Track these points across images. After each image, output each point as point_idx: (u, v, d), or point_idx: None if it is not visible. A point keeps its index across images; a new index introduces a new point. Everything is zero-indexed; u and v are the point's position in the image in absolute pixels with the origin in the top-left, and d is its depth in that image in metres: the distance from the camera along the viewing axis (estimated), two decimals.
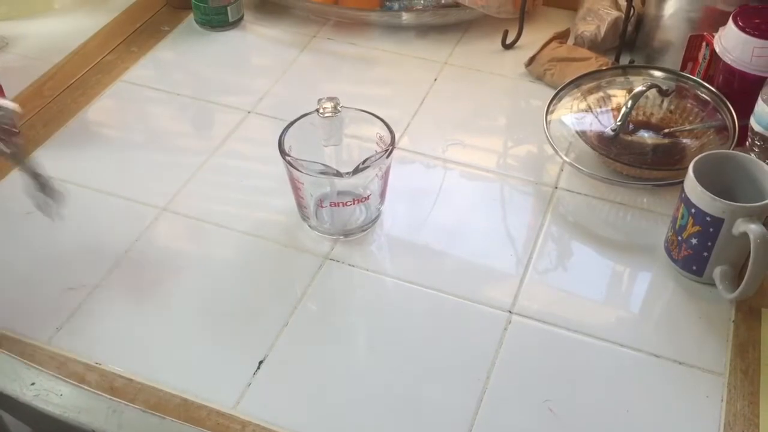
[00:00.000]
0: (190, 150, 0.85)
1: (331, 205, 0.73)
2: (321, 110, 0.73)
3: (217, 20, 1.03)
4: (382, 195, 0.74)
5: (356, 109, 0.74)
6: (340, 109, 0.73)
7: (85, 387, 0.62)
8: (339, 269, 0.72)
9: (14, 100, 0.90)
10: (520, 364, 0.64)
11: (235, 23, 1.04)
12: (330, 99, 0.73)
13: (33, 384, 0.62)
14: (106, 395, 0.61)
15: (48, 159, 0.83)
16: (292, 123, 0.73)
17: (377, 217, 0.76)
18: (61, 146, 0.86)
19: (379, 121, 0.73)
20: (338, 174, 0.68)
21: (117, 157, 0.84)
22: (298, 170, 0.69)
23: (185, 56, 1.00)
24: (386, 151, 0.70)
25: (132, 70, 0.97)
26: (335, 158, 0.75)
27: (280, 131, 0.71)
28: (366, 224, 0.75)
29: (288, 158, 0.69)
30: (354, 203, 0.73)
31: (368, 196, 0.73)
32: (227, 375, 0.63)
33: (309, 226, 0.75)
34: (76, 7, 1.09)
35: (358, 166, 0.68)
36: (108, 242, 0.74)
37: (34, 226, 0.76)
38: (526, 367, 0.64)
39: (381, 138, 0.72)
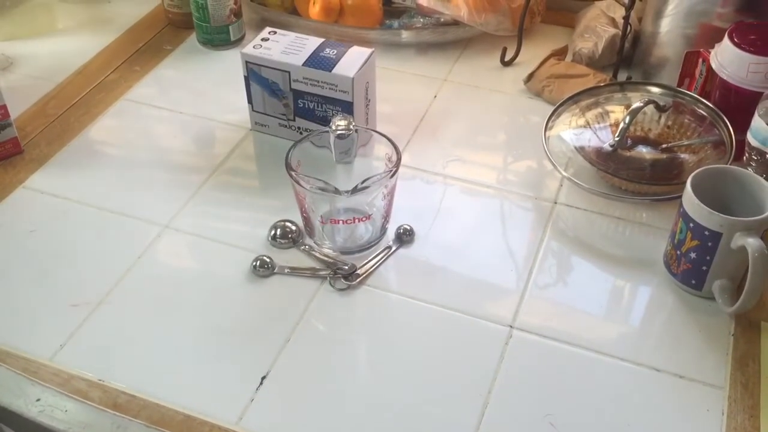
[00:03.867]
0: (193, 168, 0.86)
1: (331, 222, 0.74)
2: (334, 128, 0.73)
3: (219, 39, 1.04)
4: (387, 214, 0.75)
5: (367, 129, 0.74)
6: (353, 127, 0.74)
7: (90, 403, 0.62)
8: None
9: (18, 119, 0.91)
10: (521, 378, 0.65)
11: (237, 42, 1.05)
12: (344, 117, 0.74)
13: (38, 400, 0.62)
14: (110, 411, 0.61)
15: (51, 177, 0.84)
16: (301, 139, 0.74)
17: (382, 235, 0.76)
18: (65, 164, 0.86)
19: (387, 140, 0.73)
20: (337, 192, 0.68)
21: (120, 175, 0.85)
22: (300, 185, 0.69)
23: (187, 75, 1.01)
24: (390, 171, 0.70)
25: (135, 88, 0.98)
26: (349, 176, 0.76)
27: (287, 149, 0.72)
28: (371, 242, 0.75)
29: (292, 173, 0.70)
30: (355, 221, 0.74)
31: (370, 215, 0.74)
32: (230, 391, 0.63)
33: (314, 242, 0.75)
34: (80, 27, 1.10)
35: (358, 185, 0.68)
36: (111, 260, 0.74)
37: (38, 243, 0.76)
38: (527, 382, 0.64)
39: (389, 158, 0.72)
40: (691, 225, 0.67)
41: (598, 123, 0.86)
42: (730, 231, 0.65)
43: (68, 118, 0.93)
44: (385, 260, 0.74)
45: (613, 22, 0.99)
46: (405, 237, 0.75)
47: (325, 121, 0.84)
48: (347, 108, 0.82)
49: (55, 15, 1.10)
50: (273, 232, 0.76)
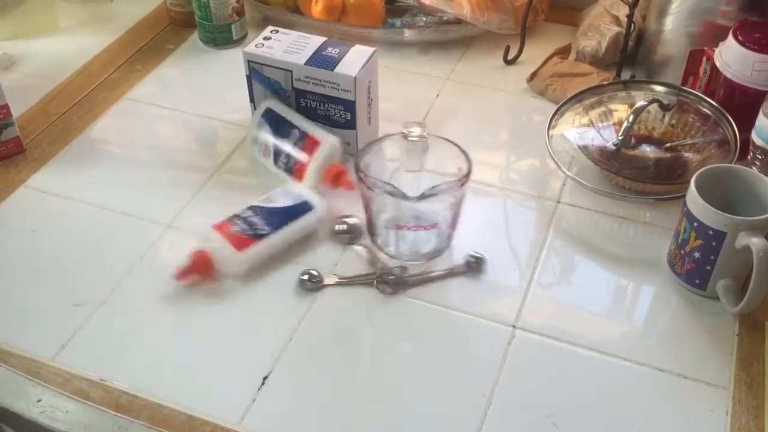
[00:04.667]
0: (195, 167, 0.86)
1: (397, 228, 0.73)
2: (407, 134, 0.73)
3: (221, 38, 1.04)
4: (453, 224, 0.73)
5: (440, 137, 0.73)
6: (426, 134, 0.73)
7: (91, 404, 0.62)
8: (333, 288, 0.72)
9: (20, 118, 0.91)
10: (523, 378, 0.64)
11: (239, 41, 1.05)
12: (418, 123, 0.73)
13: (39, 401, 0.62)
14: (112, 412, 0.61)
15: (53, 176, 0.84)
16: (371, 143, 0.73)
17: (448, 245, 0.75)
18: (67, 164, 0.86)
19: (459, 150, 0.72)
20: (405, 196, 0.68)
21: (122, 174, 0.85)
22: (368, 188, 0.69)
23: (189, 74, 1.01)
24: (459, 181, 0.69)
25: (137, 87, 0.98)
26: (416, 184, 0.74)
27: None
28: (435, 252, 0.74)
29: (360, 175, 0.69)
30: (418, 229, 0.73)
31: (436, 224, 0.72)
32: (232, 391, 0.63)
33: (377, 246, 0.74)
34: (82, 26, 1.10)
35: (426, 191, 0.67)
36: (113, 259, 0.74)
37: (40, 242, 0.76)
38: (529, 382, 0.64)
39: (459, 168, 0.71)
40: (695, 224, 0.67)
41: (602, 122, 0.85)
42: (735, 230, 0.65)
43: (70, 117, 0.93)
44: (443, 279, 0.72)
45: (616, 20, 0.99)
46: (474, 265, 0.73)
47: (327, 120, 0.84)
48: (350, 107, 0.82)
49: (56, 14, 1.10)
50: (338, 228, 0.76)
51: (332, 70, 0.81)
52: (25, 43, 1.06)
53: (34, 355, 0.66)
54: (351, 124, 0.84)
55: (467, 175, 0.69)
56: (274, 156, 0.83)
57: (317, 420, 0.62)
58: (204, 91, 0.97)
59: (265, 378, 0.64)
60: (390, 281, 0.71)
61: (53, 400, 0.62)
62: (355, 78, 0.80)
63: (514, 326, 0.68)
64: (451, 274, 0.72)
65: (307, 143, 0.82)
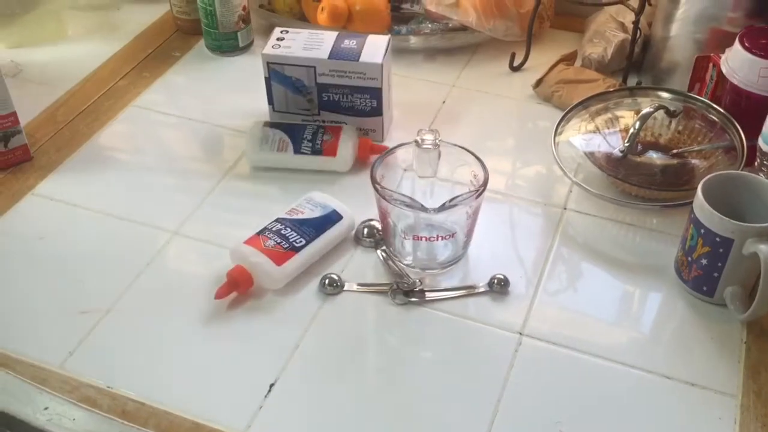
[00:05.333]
0: (202, 173, 0.86)
1: (414, 239, 0.73)
2: (420, 141, 0.73)
3: (228, 45, 1.04)
4: (469, 234, 0.73)
5: (453, 144, 0.73)
6: (439, 141, 0.73)
7: (98, 411, 0.62)
8: (349, 294, 0.72)
9: (28, 125, 0.92)
10: (531, 386, 0.64)
11: (245, 48, 1.06)
12: (431, 131, 0.73)
13: (46, 408, 0.62)
14: (119, 419, 0.61)
15: (61, 184, 0.84)
16: (388, 152, 0.73)
17: (463, 255, 0.75)
18: (74, 171, 0.87)
19: (475, 159, 0.72)
20: (423, 209, 0.68)
21: (129, 181, 0.85)
22: (385, 200, 0.69)
23: (196, 81, 1.01)
24: (477, 191, 0.69)
25: (144, 95, 0.98)
26: (430, 190, 0.75)
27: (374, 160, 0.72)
28: (450, 261, 0.74)
29: (377, 187, 0.69)
30: (438, 239, 0.73)
31: (453, 234, 0.72)
32: (238, 398, 0.63)
33: (393, 255, 0.74)
34: (89, 34, 1.11)
35: (445, 203, 0.67)
36: (120, 266, 0.74)
37: (47, 249, 0.76)
38: (537, 390, 0.64)
39: (475, 176, 0.71)
40: (702, 231, 0.67)
41: (608, 128, 0.85)
42: (742, 237, 0.64)
43: (77, 124, 0.93)
44: (465, 297, 0.71)
45: (622, 26, 0.99)
46: (497, 287, 0.72)
47: (351, 111, 0.86)
48: (376, 94, 0.85)
49: (64, 22, 1.10)
50: (362, 230, 0.76)
51: (357, 60, 0.83)
52: (33, 51, 1.06)
53: (42, 362, 0.66)
54: (377, 111, 0.86)
55: (484, 183, 0.69)
56: (294, 146, 0.84)
57: (324, 428, 0.61)
58: (210, 98, 0.98)
59: (272, 385, 0.64)
60: (409, 294, 0.70)
61: (60, 407, 0.62)
62: (381, 65, 0.83)
63: (521, 333, 0.68)
64: (471, 293, 0.72)
65: (328, 128, 0.85)
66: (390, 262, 0.74)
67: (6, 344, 0.67)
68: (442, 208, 0.67)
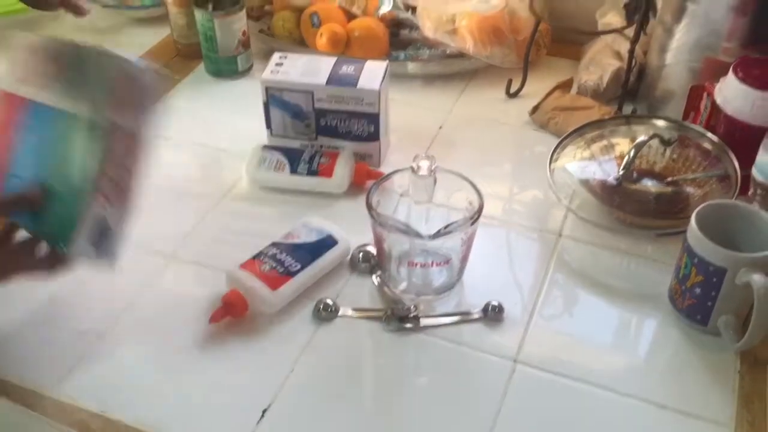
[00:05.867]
0: (200, 195, 0.86)
1: (409, 265, 0.73)
2: (416, 168, 0.73)
3: (227, 70, 1.05)
4: (464, 260, 0.73)
5: (449, 171, 0.74)
6: (435, 168, 0.74)
7: None
8: (343, 319, 0.72)
9: None
10: (524, 414, 0.64)
11: (245, 72, 1.06)
12: (427, 157, 0.73)
13: None
14: None
15: None
16: (384, 178, 0.74)
17: (458, 281, 0.75)
18: None
19: (470, 186, 0.72)
20: (419, 236, 0.68)
21: None
22: (381, 226, 0.69)
23: (195, 104, 1.02)
24: (471, 218, 0.69)
25: None
26: (425, 216, 0.75)
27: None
28: (445, 287, 0.74)
29: (373, 213, 0.70)
30: (433, 266, 0.73)
31: (449, 260, 0.72)
32: (231, 423, 0.63)
33: (388, 280, 0.74)
34: None
35: (440, 230, 0.68)
36: (116, 289, 0.74)
37: None
38: (530, 418, 0.64)
39: (470, 203, 0.72)
40: (696, 260, 0.67)
41: (603, 156, 0.86)
42: (735, 267, 0.65)
43: None
44: (459, 323, 0.71)
45: (618, 55, 1.00)
46: (492, 314, 0.72)
47: (349, 136, 0.87)
48: (373, 120, 0.86)
49: None
50: (357, 255, 0.76)
51: (355, 86, 0.84)
52: None
53: (36, 385, 0.66)
54: (374, 136, 0.87)
55: (479, 210, 0.70)
56: (290, 166, 0.85)
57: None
58: (209, 122, 0.98)
59: (264, 410, 0.64)
60: (403, 320, 0.70)
61: None
62: (379, 91, 0.83)
63: (515, 360, 0.68)
64: (466, 320, 0.72)
65: (325, 152, 0.86)
66: (385, 288, 0.74)
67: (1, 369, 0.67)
68: (438, 234, 0.68)
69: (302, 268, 0.72)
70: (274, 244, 0.74)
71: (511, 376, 0.67)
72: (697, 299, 0.68)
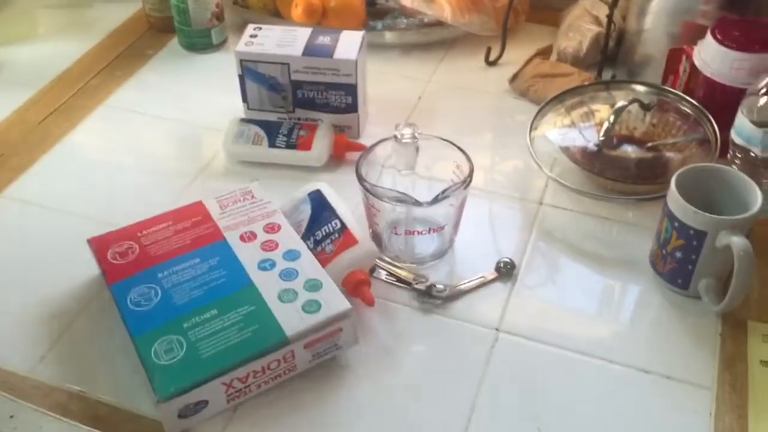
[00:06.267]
0: (177, 171, 0.85)
1: (406, 233, 0.72)
2: (399, 136, 0.73)
3: (201, 43, 1.03)
4: (456, 225, 0.73)
5: (433, 137, 0.73)
6: (418, 135, 0.73)
7: (67, 420, 0.61)
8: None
9: None
10: (507, 383, 0.64)
11: (219, 45, 1.05)
12: (409, 125, 0.73)
13: (11, 417, 0.61)
14: (88, 427, 0.60)
15: (33, 184, 0.83)
16: (370, 148, 0.73)
17: (449, 247, 0.74)
18: (47, 171, 0.85)
19: (457, 149, 0.72)
20: (417, 203, 0.67)
21: (103, 181, 0.84)
22: (376, 197, 0.68)
23: (170, 79, 1.00)
24: (464, 182, 0.69)
25: (117, 93, 0.97)
26: (410, 186, 0.74)
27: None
28: (438, 253, 0.74)
29: (365, 184, 0.69)
30: (429, 232, 0.72)
31: (444, 226, 0.72)
32: None
33: (384, 255, 0.74)
34: (61, 32, 1.09)
35: (438, 195, 0.67)
36: (92, 268, 0.73)
37: (18, 253, 0.75)
38: (514, 387, 0.64)
39: (458, 167, 0.71)
40: (676, 224, 0.67)
41: (584, 122, 0.85)
42: (715, 230, 0.65)
43: (49, 124, 0.92)
44: (478, 288, 0.71)
45: (597, 20, 0.99)
46: (506, 270, 0.72)
47: (327, 108, 0.86)
48: (351, 91, 0.84)
49: (36, 20, 1.09)
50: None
51: (331, 57, 0.82)
52: (4, 49, 1.05)
53: (13, 367, 0.65)
54: (352, 108, 0.86)
55: (471, 173, 0.69)
56: (269, 140, 0.84)
57: (301, 424, 0.61)
58: (184, 96, 0.97)
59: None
60: (432, 296, 0.70)
61: (26, 416, 0.61)
62: (356, 61, 0.82)
63: (497, 329, 0.68)
64: (483, 283, 0.72)
65: (303, 125, 0.84)
66: (394, 268, 0.73)
67: None
68: (435, 200, 0.67)
69: None
70: None
71: (494, 345, 0.67)
72: (678, 263, 0.68)
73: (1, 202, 0.81)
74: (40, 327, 0.68)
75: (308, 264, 0.66)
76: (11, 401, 0.62)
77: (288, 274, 0.65)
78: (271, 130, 0.85)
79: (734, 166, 0.74)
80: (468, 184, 0.69)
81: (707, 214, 0.65)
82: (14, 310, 0.70)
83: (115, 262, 0.67)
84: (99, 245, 0.69)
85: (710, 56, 0.79)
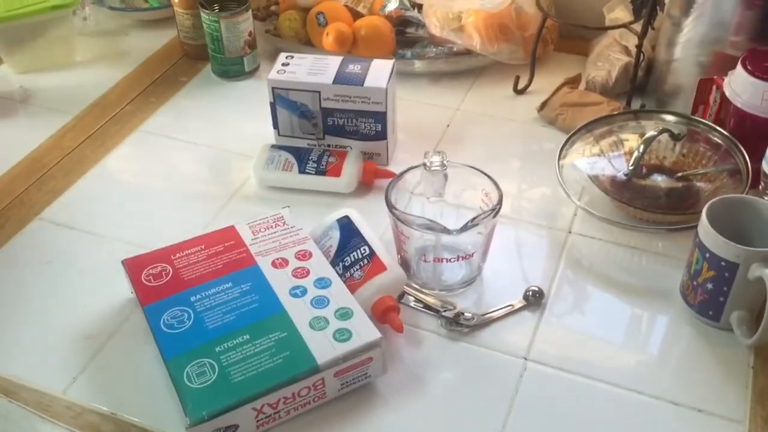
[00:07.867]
0: (209, 196, 0.86)
1: (434, 261, 0.73)
2: (428, 164, 0.74)
3: (234, 70, 1.05)
4: (485, 253, 0.73)
5: (462, 164, 0.74)
6: (446, 163, 0.74)
7: None
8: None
9: (35, 151, 0.92)
10: (535, 413, 0.64)
11: (251, 72, 1.06)
12: (437, 152, 0.74)
13: None
14: None
15: (68, 209, 0.85)
16: (399, 176, 0.74)
17: (478, 275, 0.75)
18: (81, 196, 0.87)
19: (486, 177, 0.72)
20: (446, 231, 0.68)
21: (137, 204, 0.86)
22: (405, 224, 0.69)
23: (203, 105, 1.02)
24: (493, 210, 0.69)
25: (150, 119, 0.99)
26: (438, 213, 0.76)
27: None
28: (466, 281, 0.74)
29: (395, 212, 0.69)
30: (458, 260, 0.73)
31: (472, 254, 0.72)
32: None
33: (413, 282, 0.74)
34: (97, 59, 1.12)
35: (467, 223, 0.67)
36: (125, 291, 0.74)
37: (53, 274, 0.77)
38: (541, 417, 0.63)
39: (487, 195, 0.72)
40: (707, 255, 0.66)
41: (613, 151, 0.85)
42: (747, 261, 0.64)
43: (84, 149, 0.94)
44: (506, 317, 0.71)
45: (626, 50, 0.99)
46: (533, 299, 0.72)
47: (356, 135, 0.87)
48: (380, 118, 0.86)
49: (73, 48, 1.11)
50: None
51: (362, 85, 0.84)
52: (41, 76, 1.07)
53: (46, 388, 0.66)
54: (382, 135, 0.87)
55: (500, 201, 0.70)
56: (299, 166, 0.85)
57: None
58: (217, 123, 0.98)
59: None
60: (460, 323, 0.70)
61: None
62: (386, 89, 0.83)
63: (525, 358, 0.68)
64: (512, 311, 0.72)
65: (333, 151, 0.86)
66: (422, 295, 0.73)
67: (10, 370, 0.67)
68: (465, 228, 0.67)
69: None
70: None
71: (522, 374, 0.66)
72: (709, 295, 0.68)
73: (38, 223, 0.83)
74: (73, 347, 0.69)
75: (339, 292, 0.67)
76: (46, 422, 0.63)
77: (319, 302, 0.66)
78: (301, 157, 0.86)
79: (766, 198, 0.73)
80: (497, 213, 0.69)
81: (739, 245, 0.64)
82: (48, 330, 0.71)
83: (149, 284, 0.68)
84: (133, 266, 0.70)
85: (741, 87, 0.79)
